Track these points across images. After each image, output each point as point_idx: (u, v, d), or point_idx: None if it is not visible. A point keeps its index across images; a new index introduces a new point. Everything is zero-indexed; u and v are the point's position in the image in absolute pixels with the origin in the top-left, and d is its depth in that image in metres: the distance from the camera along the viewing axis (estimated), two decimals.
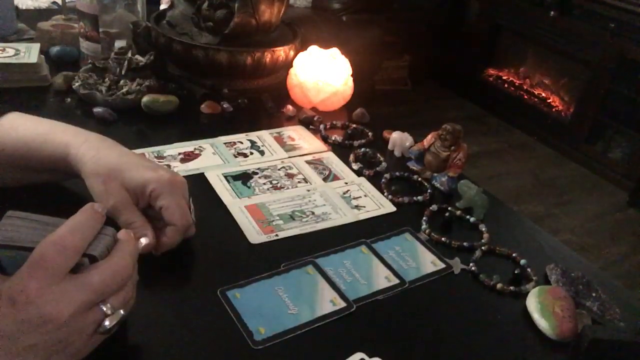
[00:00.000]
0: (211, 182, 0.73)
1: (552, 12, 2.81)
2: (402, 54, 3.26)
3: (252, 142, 0.84)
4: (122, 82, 0.88)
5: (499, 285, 0.62)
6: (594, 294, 0.62)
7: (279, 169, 0.78)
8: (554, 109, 3.06)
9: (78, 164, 0.57)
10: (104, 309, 0.42)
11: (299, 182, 0.76)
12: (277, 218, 0.68)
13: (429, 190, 0.77)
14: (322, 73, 0.93)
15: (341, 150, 0.85)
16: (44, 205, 0.60)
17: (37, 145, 0.59)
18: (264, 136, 0.86)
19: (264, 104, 0.95)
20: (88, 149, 0.58)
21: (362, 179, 0.79)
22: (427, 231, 0.69)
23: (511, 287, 0.62)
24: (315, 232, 0.67)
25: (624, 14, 2.53)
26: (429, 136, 0.81)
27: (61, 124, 0.61)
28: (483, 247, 0.68)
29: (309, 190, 0.75)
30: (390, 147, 0.88)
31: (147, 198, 0.56)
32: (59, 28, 1.05)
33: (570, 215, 2.45)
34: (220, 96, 0.94)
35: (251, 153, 0.81)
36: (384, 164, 0.82)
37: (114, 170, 0.56)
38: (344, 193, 0.75)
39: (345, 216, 0.70)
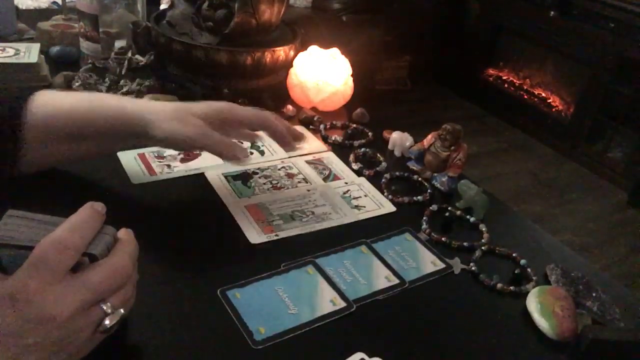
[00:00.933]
0: (211, 182, 0.73)
1: (552, 12, 2.81)
2: (402, 54, 3.26)
3: (252, 142, 0.84)
4: (122, 82, 0.88)
5: (499, 285, 0.62)
6: (594, 294, 0.62)
7: (279, 169, 0.78)
8: (554, 109, 3.06)
9: (139, 117, 0.61)
10: (104, 308, 0.42)
11: (299, 182, 0.76)
12: (277, 218, 0.68)
13: (429, 190, 0.77)
14: (322, 73, 0.93)
15: (341, 150, 0.85)
16: (44, 205, 0.60)
17: (92, 109, 0.62)
18: (264, 136, 0.86)
19: (264, 104, 0.94)
20: (139, 104, 0.63)
21: (362, 179, 0.79)
22: (427, 231, 0.69)
23: (511, 287, 0.62)
24: (315, 232, 0.67)
25: (624, 14, 2.53)
26: (429, 136, 0.81)
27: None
28: (483, 247, 0.68)
29: (309, 190, 0.75)
30: (390, 147, 0.88)
31: (222, 119, 0.65)
32: (59, 28, 1.05)
33: (570, 215, 2.45)
34: (220, 96, 0.94)
35: (251, 153, 0.81)
36: (384, 164, 0.82)
37: (178, 109, 0.62)
38: (344, 193, 0.75)
39: (345, 216, 0.70)
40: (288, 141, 0.69)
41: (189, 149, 0.67)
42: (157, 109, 0.62)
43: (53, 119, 0.61)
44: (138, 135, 0.62)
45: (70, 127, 0.61)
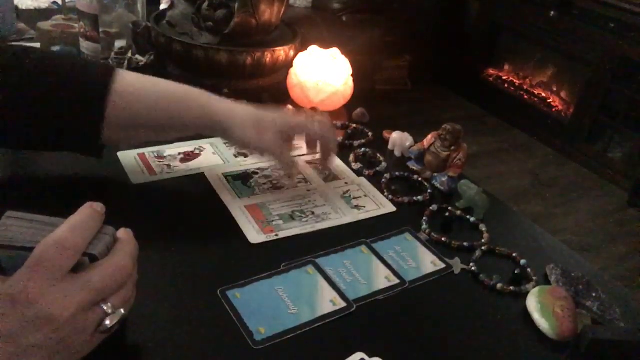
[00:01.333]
0: (211, 182, 0.73)
1: (552, 12, 2.80)
2: (402, 54, 3.26)
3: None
4: None
5: (499, 285, 0.62)
6: (594, 294, 0.62)
7: (279, 169, 0.78)
8: (554, 109, 3.06)
9: (222, 120, 0.65)
10: (105, 308, 0.42)
11: (299, 182, 0.76)
12: (277, 218, 0.68)
13: (429, 190, 0.77)
14: (322, 73, 0.93)
15: (341, 150, 0.85)
16: (43, 206, 0.60)
17: (178, 105, 0.64)
18: None
19: (264, 104, 0.94)
20: (224, 107, 0.66)
21: (362, 179, 0.79)
22: (427, 231, 0.69)
23: (511, 287, 0.62)
24: (315, 232, 0.67)
25: (624, 14, 2.53)
26: (429, 136, 0.81)
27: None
28: (483, 247, 0.68)
29: (309, 190, 0.75)
30: (390, 147, 0.88)
31: (292, 132, 0.71)
32: (59, 28, 1.05)
33: (570, 215, 2.45)
34: (220, 96, 0.94)
35: (251, 153, 0.81)
36: (384, 164, 0.82)
37: (258, 118, 0.67)
38: (344, 193, 0.75)
39: (345, 216, 0.70)
40: (325, 163, 0.75)
41: (260, 155, 0.71)
42: (239, 115, 0.66)
43: (138, 106, 0.62)
44: (218, 134, 0.69)
45: (154, 119, 0.63)
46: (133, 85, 0.62)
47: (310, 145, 0.75)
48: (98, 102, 0.60)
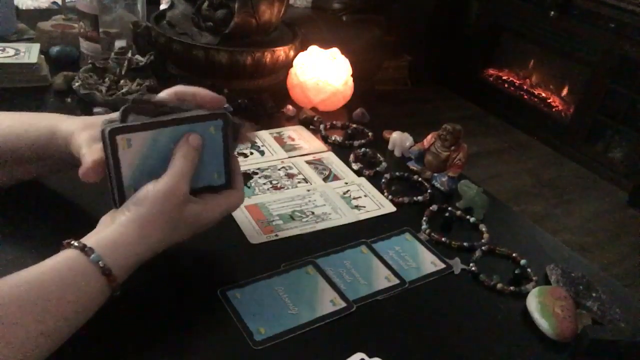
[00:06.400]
0: None
1: (552, 12, 2.80)
2: (402, 54, 3.26)
3: (252, 142, 0.84)
4: (122, 82, 0.88)
5: (499, 285, 0.62)
6: (594, 294, 0.62)
7: (279, 169, 0.78)
8: (554, 109, 3.06)
9: (64, 134, 0.55)
10: None
11: (299, 182, 0.76)
12: (277, 218, 0.68)
13: (429, 190, 0.77)
14: (322, 73, 0.93)
15: (341, 150, 0.85)
16: (42, 206, 0.60)
17: (23, 130, 0.57)
18: (264, 136, 0.86)
19: (264, 104, 0.94)
20: (72, 120, 0.56)
21: (362, 179, 0.79)
22: (427, 231, 0.69)
23: (511, 287, 0.62)
24: (315, 232, 0.67)
25: (624, 14, 2.53)
26: (429, 136, 0.81)
27: (42, 113, 0.60)
28: (483, 247, 0.68)
29: (309, 190, 0.75)
30: (390, 147, 0.88)
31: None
32: (59, 28, 1.05)
33: (570, 215, 2.45)
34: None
35: (251, 153, 0.81)
36: (384, 164, 0.82)
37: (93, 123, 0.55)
38: (344, 193, 0.75)
39: (345, 216, 0.70)
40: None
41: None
42: (81, 126, 0.55)
43: None
44: (69, 157, 0.55)
45: (16, 153, 0.58)
46: None
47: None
48: None
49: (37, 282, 0.43)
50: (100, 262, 0.45)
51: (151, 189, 0.49)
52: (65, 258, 0.45)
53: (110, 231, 0.48)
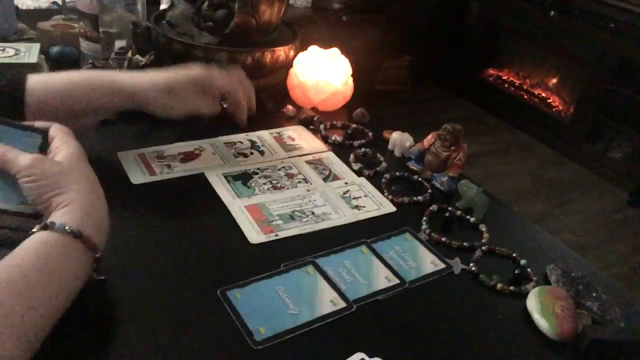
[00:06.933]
0: (211, 182, 0.73)
1: (552, 12, 2.80)
2: (402, 54, 3.26)
3: (252, 142, 0.84)
4: None
5: (499, 285, 0.62)
6: (594, 294, 0.62)
7: (279, 169, 0.78)
8: (554, 109, 3.06)
9: (133, 95, 0.69)
10: None
11: (299, 182, 0.76)
12: (277, 218, 0.68)
13: (429, 190, 0.77)
14: (322, 73, 0.93)
15: (341, 150, 0.85)
16: None
17: (85, 89, 0.67)
18: (264, 136, 0.86)
19: (264, 104, 0.94)
20: (133, 82, 0.69)
21: (362, 179, 0.79)
22: (427, 231, 0.69)
23: (511, 287, 0.62)
24: (315, 232, 0.67)
25: (624, 14, 2.53)
26: (429, 136, 0.81)
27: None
28: (483, 247, 0.68)
29: (309, 190, 0.75)
30: (390, 147, 0.88)
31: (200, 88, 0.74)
32: (59, 28, 1.05)
33: (570, 215, 2.45)
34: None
35: (251, 153, 0.81)
36: (384, 164, 0.82)
37: (171, 83, 0.71)
38: (344, 193, 0.75)
39: (345, 216, 0.70)
40: (240, 120, 0.81)
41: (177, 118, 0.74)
42: (148, 82, 0.70)
43: (49, 98, 0.65)
44: (137, 106, 0.71)
45: (66, 106, 0.66)
46: (41, 83, 0.66)
47: (223, 98, 0.79)
48: (14, 96, 0.63)
49: (16, 262, 0.44)
50: (66, 227, 0.46)
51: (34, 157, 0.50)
52: (35, 238, 0.46)
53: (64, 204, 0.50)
